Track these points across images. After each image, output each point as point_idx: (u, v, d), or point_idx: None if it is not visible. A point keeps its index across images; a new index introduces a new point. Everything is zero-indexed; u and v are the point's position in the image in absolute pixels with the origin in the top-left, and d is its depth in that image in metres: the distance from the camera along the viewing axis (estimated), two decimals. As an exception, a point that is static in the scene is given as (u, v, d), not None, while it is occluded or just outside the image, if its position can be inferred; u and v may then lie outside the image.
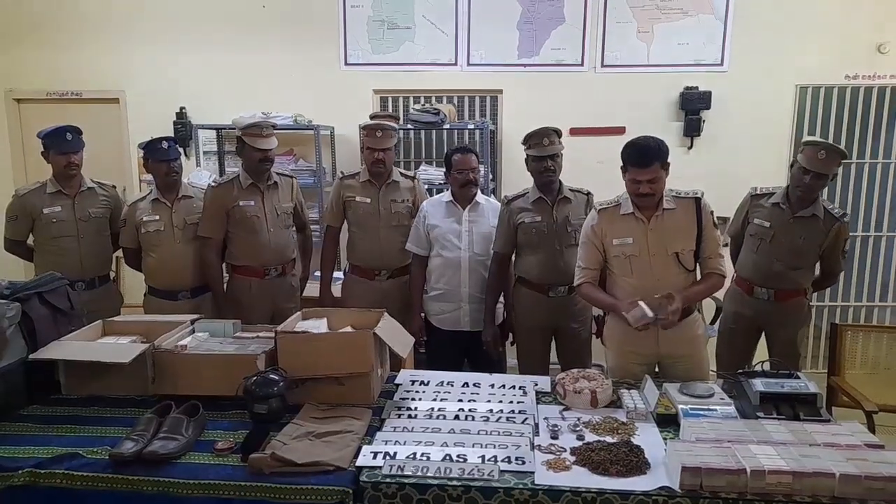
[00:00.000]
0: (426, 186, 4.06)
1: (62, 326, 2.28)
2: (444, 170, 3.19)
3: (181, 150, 3.25)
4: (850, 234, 3.07)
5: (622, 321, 2.39)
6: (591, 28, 4.29)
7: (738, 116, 4.28)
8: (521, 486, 1.63)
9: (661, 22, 4.25)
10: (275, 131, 3.15)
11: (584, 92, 4.34)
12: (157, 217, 3.11)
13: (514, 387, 2.30)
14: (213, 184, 3.20)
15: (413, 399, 2.19)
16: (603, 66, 4.33)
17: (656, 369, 2.52)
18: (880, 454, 1.68)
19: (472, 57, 4.37)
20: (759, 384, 2.02)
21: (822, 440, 1.75)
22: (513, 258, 3.00)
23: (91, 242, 3.23)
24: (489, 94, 4.49)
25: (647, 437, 1.89)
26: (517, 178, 2.97)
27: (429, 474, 1.67)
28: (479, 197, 3.09)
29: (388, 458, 1.74)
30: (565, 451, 1.81)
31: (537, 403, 2.16)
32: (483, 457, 1.75)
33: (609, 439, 1.87)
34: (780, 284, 2.95)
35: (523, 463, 1.73)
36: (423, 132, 4.51)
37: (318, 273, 3.96)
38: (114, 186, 3.42)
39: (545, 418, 2.03)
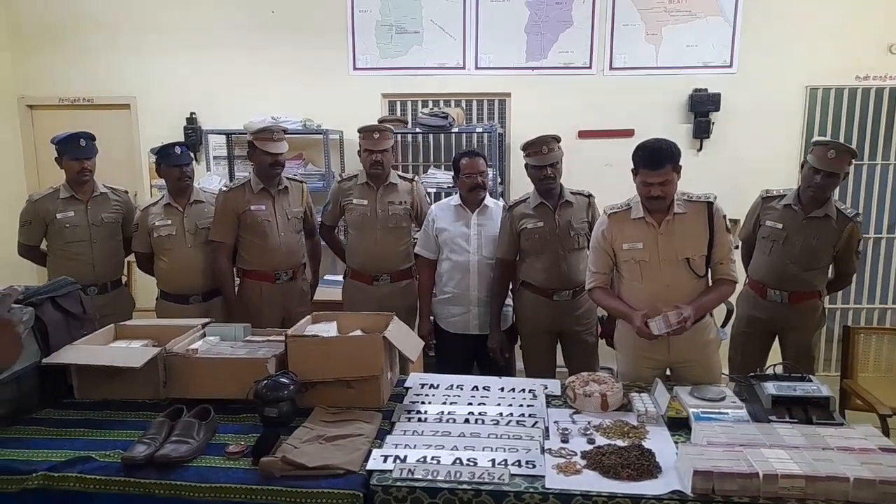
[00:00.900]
0: (434, 190, 4.07)
1: (75, 331, 2.30)
2: (452, 173, 3.20)
3: (192, 155, 3.27)
4: (863, 235, 3.05)
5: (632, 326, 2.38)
6: (599, 31, 4.28)
7: (747, 118, 4.25)
8: (531, 489, 1.63)
9: (669, 24, 4.24)
10: (285, 136, 3.17)
11: (592, 95, 4.33)
12: (169, 222, 3.13)
13: (523, 390, 2.29)
14: (224, 188, 3.22)
15: (423, 402, 2.19)
16: (611, 68, 4.32)
17: (667, 373, 2.51)
18: (895, 458, 1.66)
19: (481, 60, 4.38)
20: (771, 387, 2.01)
21: (835, 444, 1.74)
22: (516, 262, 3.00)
23: (103, 247, 3.25)
24: (497, 98, 4.50)
25: (659, 441, 1.88)
26: (525, 181, 2.96)
27: (439, 478, 1.66)
28: (488, 200, 3.09)
29: (398, 461, 1.74)
30: (576, 454, 1.80)
31: (547, 407, 2.16)
32: (493, 460, 1.75)
33: (620, 443, 1.86)
34: (795, 286, 2.92)
35: (534, 466, 1.72)
36: (431, 136, 4.52)
37: (327, 277, 3.99)
38: (126, 192, 3.45)
39: (555, 422, 2.03)
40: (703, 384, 2.20)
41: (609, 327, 3.06)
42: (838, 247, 2.88)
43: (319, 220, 3.42)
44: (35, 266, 3.47)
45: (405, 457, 1.77)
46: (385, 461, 1.75)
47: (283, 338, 2.19)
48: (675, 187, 2.34)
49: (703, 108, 4.24)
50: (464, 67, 4.40)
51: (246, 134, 3.12)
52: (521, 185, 3.23)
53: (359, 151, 3.20)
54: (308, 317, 2.41)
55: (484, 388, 2.32)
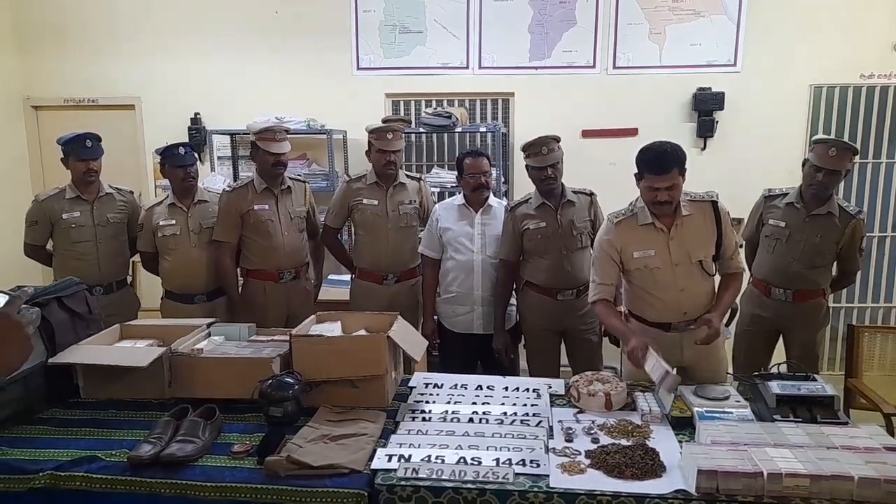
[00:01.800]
0: (438, 189, 4.07)
1: (80, 331, 2.32)
2: (455, 173, 3.20)
3: (196, 155, 3.29)
4: (867, 234, 3.04)
5: (641, 325, 2.36)
6: (602, 30, 4.27)
7: (751, 117, 4.24)
8: (535, 488, 1.63)
9: (673, 23, 4.23)
10: (288, 135, 3.18)
11: (595, 94, 4.33)
12: (174, 221, 3.15)
13: (527, 389, 2.30)
14: (227, 188, 3.23)
15: (427, 402, 2.19)
16: (615, 67, 4.31)
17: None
18: (899, 457, 1.66)
19: (484, 60, 4.38)
20: (775, 386, 2.01)
21: (839, 443, 1.74)
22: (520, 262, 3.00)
23: (109, 247, 3.27)
24: (501, 97, 4.50)
25: (663, 440, 1.89)
26: (529, 180, 2.96)
27: (443, 477, 1.67)
28: (492, 200, 3.10)
29: (402, 460, 1.75)
30: (580, 454, 1.81)
31: (551, 406, 2.16)
32: (498, 459, 1.75)
33: (624, 442, 1.86)
34: (799, 285, 2.92)
35: (538, 466, 1.73)
36: (434, 135, 4.52)
37: (331, 277, 3.99)
38: (131, 192, 3.46)
39: (559, 421, 2.03)
40: (709, 383, 2.20)
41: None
42: (841, 244, 2.88)
43: (323, 222, 3.42)
44: (41, 266, 3.48)
45: (410, 456, 1.77)
46: (389, 460, 1.76)
47: (287, 337, 2.19)
48: (680, 191, 2.27)
49: (707, 107, 4.23)
50: (467, 67, 4.40)
51: (249, 134, 3.13)
52: (525, 184, 3.23)
53: (367, 151, 3.20)
54: (312, 316, 2.42)
55: (488, 387, 2.32)
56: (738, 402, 2.06)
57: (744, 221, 3.25)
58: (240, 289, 3.23)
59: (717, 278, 2.48)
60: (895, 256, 4.48)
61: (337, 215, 3.30)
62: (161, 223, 3.15)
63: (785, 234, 2.91)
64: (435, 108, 4.22)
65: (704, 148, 4.31)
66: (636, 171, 2.31)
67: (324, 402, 2.09)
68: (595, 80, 4.33)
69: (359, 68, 4.45)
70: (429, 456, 1.77)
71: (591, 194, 2.98)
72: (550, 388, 2.31)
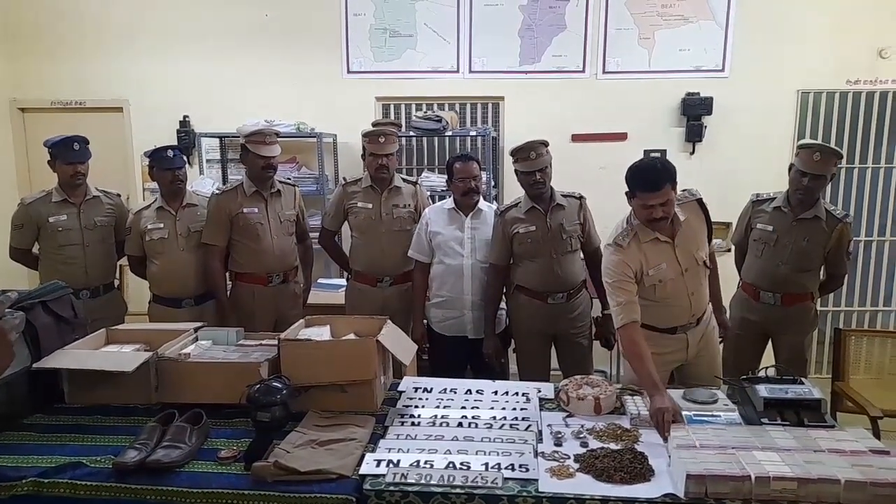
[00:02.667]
0: (428, 193, 4.07)
1: (66, 335, 2.29)
2: (445, 177, 3.20)
3: (185, 158, 3.27)
4: (854, 238, 3.07)
5: (649, 333, 2.33)
6: (592, 35, 4.30)
7: (739, 122, 4.28)
8: (524, 493, 1.63)
9: (662, 28, 4.26)
10: (278, 139, 3.17)
11: (585, 98, 4.35)
12: (162, 225, 3.12)
13: (517, 393, 2.29)
14: (216, 191, 3.21)
15: (416, 406, 2.18)
16: (604, 72, 4.34)
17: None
18: (886, 460, 1.68)
19: (474, 64, 4.39)
20: (763, 390, 2.01)
21: (826, 446, 1.75)
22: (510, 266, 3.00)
23: (96, 251, 3.24)
24: (491, 101, 4.51)
25: (652, 444, 1.89)
26: (519, 184, 2.97)
27: (432, 482, 1.66)
28: (482, 204, 3.10)
29: (391, 465, 1.74)
30: (569, 458, 1.81)
31: (540, 410, 2.16)
32: (487, 464, 1.75)
33: (613, 446, 1.86)
34: (787, 288, 2.94)
35: (527, 470, 1.72)
36: (424, 139, 4.52)
37: (321, 280, 3.98)
38: (118, 195, 3.43)
39: (548, 425, 2.03)
40: (707, 379, 2.20)
41: (603, 329, 3.08)
42: (829, 248, 2.90)
43: (320, 225, 3.42)
44: (27, 270, 3.44)
45: (398, 461, 1.77)
46: (378, 465, 1.75)
47: (275, 342, 2.18)
48: (674, 204, 2.24)
49: (695, 112, 4.26)
50: (457, 71, 4.40)
51: (239, 137, 3.12)
52: (515, 188, 3.23)
53: (362, 155, 3.21)
54: (301, 320, 2.41)
55: (477, 391, 2.32)
56: (727, 405, 2.07)
57: (732, 225, 3.27)
58: (228, 292, 3.21)
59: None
60: (881, 260, 4.52)
61: (333, 218, 3.31)
62: (149, 227, 3.12)
63: (773, 239, 2.93)
64: (425, 112, 4.23)
65: (693, 153, 4.34)
66: (627, 189, 2.26)
67: (312, 406, 2.07)
68: (585, 85, 4.35)
69: (349, 72, 4.44)
70: (418, 461, 1.77)
71: (581, 198, 2.99)
72: (540, 391, 2.30)
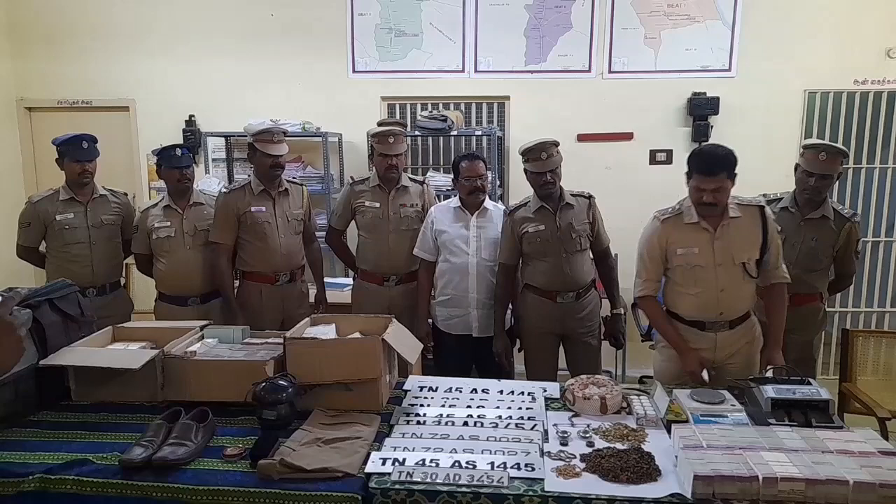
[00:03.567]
0: (434, 193, 4.07)
1: (73, 333, 2.30)
2: (451, 176, 3.20)
3: (193, 157, 3.28)
4: (862, 238, 3.06)
5: (679, 325, 2.38)
6: (598, 34, 4.29)
7: (746, 122, 4.26)
8: (530, 492, 1.62)
9: (668, 28, 4.25)
10: (285, 138, 3.17)
11: (591, 98, 4.34)
12: (169, 223, 3.13)
13: (522, 393, 2.29)
14: (224, 190, 3.23)
15: (422, 405, 2.18)
16: (610, 72, 4.33)
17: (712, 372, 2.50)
18: (895, 461, 1.66)
19: (480, 64, 4.39)
20: (770, 390, 2.01)
21: (834, 447, 1.74)
22: (519, 265, 3.00)
23: (103, 249, 3.25)
24: (496, 101, 4.51)
25: (658, 444, 1.88)
26: (525, 184, 2.96)
27: (438, 481, 1.66)
28: (488, 203, 3.09)
29: (397, 464, 1.74)
30: (575, 457, 1.80)
31: (546, 410, 2.15)
32: (492, 463, 1.74)
33: (619, 446, 1.85)
34: (796, 289, 2.92)
35: (533, 470, 1.72)
36: (430, 139, 4.52)
37: (327, 279, 3.97)
38: (125, 194, 3.45)
39: (554, 425, 2.02)
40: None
41: (612, 329, 3.06)
42: (837, 247, 2.89)
43: (327, 223, 3.42)
44: (34, 268, 3.46)
45: (404, 459, 1.76)
46: (384, 464, 1.74)
47: (281, 340, 2.18)
48: (728, 195, 2.31)
49: (701, 112, 4.25)
50: (463, 70, 4.40)
51: (245, 136, 3.12)
52: (521, 188, 3.23)
53: (370, 154, 3.21)
54: (307, 319, 2.41)
55: (483, 390, 2.31)
56: (734, 406, 2.05)
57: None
58: (235, 291, 3.22)
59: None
60: (889, 261, 4.50)
61: (341, 217, 3.32)
62: (156, 225, 3.13)
63: (781, 239, 2.91)
64: (431, 112, 4.23)
65: (699, 152, 4.32)
66: (686, 169, 2.35)
67: (318, 405, 2.07)
68: (590, 85, 4.34)
69: (354, 71, 4.45)
70: (423, 460, 1.76)
71: (590, 197, 2.98)
72: (545, 391, 2.30)
